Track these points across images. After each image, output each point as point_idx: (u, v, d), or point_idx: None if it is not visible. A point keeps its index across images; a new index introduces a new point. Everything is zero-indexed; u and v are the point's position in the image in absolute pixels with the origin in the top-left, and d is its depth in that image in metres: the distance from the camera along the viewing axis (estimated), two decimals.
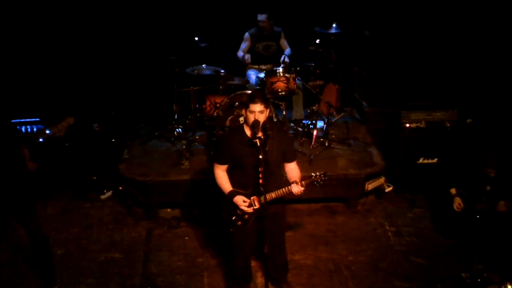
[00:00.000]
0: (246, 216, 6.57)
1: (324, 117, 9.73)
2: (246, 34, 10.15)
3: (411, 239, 8.26)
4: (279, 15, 10.23)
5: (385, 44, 10.62)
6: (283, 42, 10.17)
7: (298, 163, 8.38)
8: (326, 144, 9.43)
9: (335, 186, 8.80)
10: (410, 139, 9.24)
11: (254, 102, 6.30)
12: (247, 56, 10.05)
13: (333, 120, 9.96)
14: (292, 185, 6.42)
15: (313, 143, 9.32)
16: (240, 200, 6.49)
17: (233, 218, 6.61)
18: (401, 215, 8.76)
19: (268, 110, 6.49)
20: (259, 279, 7.40)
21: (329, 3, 10.76)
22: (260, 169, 6.08)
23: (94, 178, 9.59)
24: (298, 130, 9.82)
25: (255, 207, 6.51)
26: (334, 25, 10.05)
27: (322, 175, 6.32)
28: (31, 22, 10.46)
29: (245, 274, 7.13)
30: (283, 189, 6.46)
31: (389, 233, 8.41)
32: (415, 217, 8.68)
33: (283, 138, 6.67)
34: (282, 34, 10.16)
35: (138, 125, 10.47)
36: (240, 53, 10.15)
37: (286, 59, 9.68)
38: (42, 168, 7.04)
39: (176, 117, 9.87)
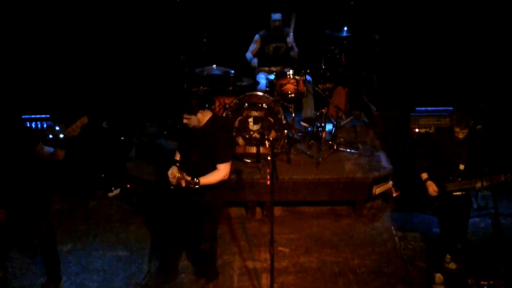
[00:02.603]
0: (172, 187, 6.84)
1: (333, 120, 9.72)
2: (256, 36, 10.15)
3: (417, 244, 8.26)
4: (290, 17, 10.23)
5: (394, 48, 10.60)
6: (291, 41, 10.10)
7: (305, 165, 8.47)
8: (334, 147, 9.44)
9: (342, 190, 8.81)
10: (418, 144, 9.23)
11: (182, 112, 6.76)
12: (255, 61, 10.05)
13: (341, 124, 9.97)
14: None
15: (321, 146, 9.32)
16: (170, 172, 6.79)
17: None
18: (407, 220, 8.73)
19: (202, 113, 6.76)
20: (264, 280, 7.42)
21: (340, 6, 10.74)
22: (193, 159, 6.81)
23: (102, 175, 9.62)
24: (306, 132, 9.83)
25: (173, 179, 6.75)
26: (344, 29, 10.07)
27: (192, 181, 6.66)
28: (41, 21, 10.51)
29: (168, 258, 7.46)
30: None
31: (396, 238, 8.41)
32: (422, 222, 8.65)
33: (217, 137, 6.79)
34: (291, 33, 10.11)
35: (146, 124, 10.48)
36: (248, 55, 10.13)
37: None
38: (52, 164, 7.06)
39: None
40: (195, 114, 6.70)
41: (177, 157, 7.11)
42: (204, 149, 6.78)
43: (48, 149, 6.90)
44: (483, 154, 7.16)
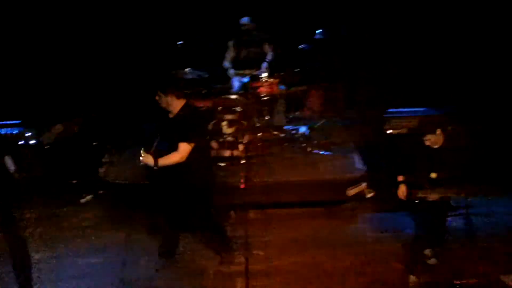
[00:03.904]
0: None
1: (307, 122, 9.73)
2: (230, 43, 10.16)
3: (391, 245, 8.26)
4: (266, 20, 10.24)
5: (368, 51, 10.65)
6: (266, 48, 10.15)
7: (279, 167, 8.47)
8: (309, 150, 9.44)
9: (316, 191, 8.81)
10: (391, 145, 9.24)
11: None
12: (232, 71, 10.08)
13: (315, 126, 9.97)
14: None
15: (295, 148, 9.33)
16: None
17: None
18: (382, 221, 8.76)
19: (172, 98, 7.05)
20: (240, 284, 7.37)
21: (315, 9, 10.78)
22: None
23: (74, 182, 9.53)
24: (280, 135, 9.82)
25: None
26: (319, 31, 10.09)
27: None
28: (12, 26, 10.44)
29: (168, 240, 7.81)
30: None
31: (371, 239, 8.41)
32: (397, 223, 8.68)
33: (184, 119, 7.12)
34: (266, 39, 10.13)
35: (119, 128, 10.41)
36: (226, 64, 10.15)
37: (265, 67, 9.78)
38: (23, 171, 6.99)
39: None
40: (166, 95, 7.04)
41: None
42: (173, 133, 7.03)
43: (9, 163, 6.82)
44: (457, 162, 7.20)
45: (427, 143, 7.12)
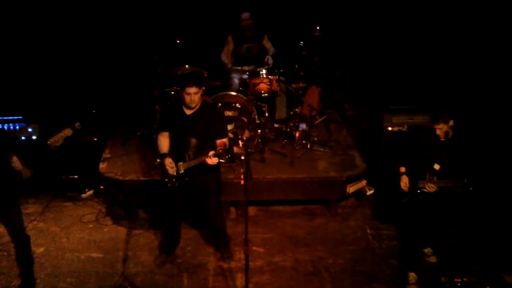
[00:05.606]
0: (173, 179, 7.21)
1: (306, 119, 9.75)
2: (228, 37, 10.15)
3: (390, 242, 8.29)
4: (263, 17, 10.24)
5: (367, 47, 10.66)
6: (267, 43, 10.15)
7: (279, 164, 8.48)
8: (308, 146, 9.46)
9: (316, 189, 8.82)
10: (391, 142, 9.27)
11: (189, 85, 6.94)
12: (230, 65, 10.09)
13: (315, 123, 9.99)
14: (207, 158, 6.89)
15: (294, 145, 9.36)
16: (168, 162, 7.18)
17: (166, 179, 7.26)
18: (381, 218, 8.79)
19: (202, 89, 7.11)
20: (239, 280, 7.42)
21: (313, 6, 10.77)
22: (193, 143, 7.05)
23: (75, 177, 9.55)
24: (280, 132, 9.83)
25: (179, 171, 7.17)
26: (317, 28, 10.09)
27: (224, 152, 6.85)
28: (12, 22, 10.46)
29: (170, 236, 7.78)
30: (198, 158, 7.03)
31: (369, 236, 8.45)
32: (396, 220, 8.70)
33: (213, 117, 7.21)
34: (265, 35, 10.15)
35: (119, 124, 10.43)
36: (223, 57, 10.15)
37: (270, 60, 9.77)
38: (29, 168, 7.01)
39: (158, 117, 9.85)
40: (202, 88, 7.05)
41: (164, 146, 7.32)
42: (204, 130, 7.08)
43: (17, 162, 6.84)
44: (460, 154, 7.21)
45: (438, 132, 7.13)
